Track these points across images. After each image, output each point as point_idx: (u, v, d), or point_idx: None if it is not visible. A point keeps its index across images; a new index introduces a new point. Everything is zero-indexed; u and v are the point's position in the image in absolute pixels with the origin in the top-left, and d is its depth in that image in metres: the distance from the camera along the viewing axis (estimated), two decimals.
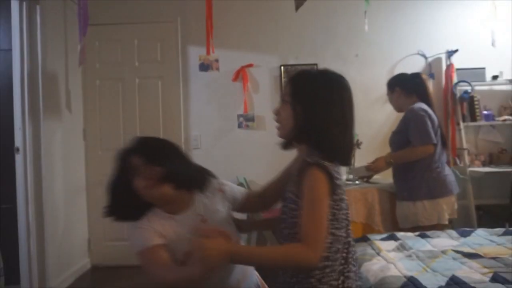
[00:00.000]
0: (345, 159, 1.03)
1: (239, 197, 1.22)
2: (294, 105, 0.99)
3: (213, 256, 0.84)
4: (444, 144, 2.37)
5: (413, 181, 2.27)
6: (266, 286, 1.30)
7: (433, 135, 2.22)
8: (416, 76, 2.44)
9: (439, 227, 2.18)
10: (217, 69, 3.12)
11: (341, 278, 0.98)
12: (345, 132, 0.99)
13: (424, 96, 2.37)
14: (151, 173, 1.07)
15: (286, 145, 1.05)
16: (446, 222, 2.27)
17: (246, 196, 1.24)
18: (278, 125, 1.06)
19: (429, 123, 2.22)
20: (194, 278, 0.89)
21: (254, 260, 0.93)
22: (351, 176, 2.82)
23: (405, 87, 2.40)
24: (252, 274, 1.24)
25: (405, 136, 2.27)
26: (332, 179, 0.94)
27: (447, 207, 2.27)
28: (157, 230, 1.08)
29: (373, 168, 2.44)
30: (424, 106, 2.30)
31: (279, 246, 0.96)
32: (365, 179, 2.75)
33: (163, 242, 1.06)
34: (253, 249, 0.94)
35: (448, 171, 2.34)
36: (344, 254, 0.99)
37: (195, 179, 1.15)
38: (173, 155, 1.16)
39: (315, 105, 0.97)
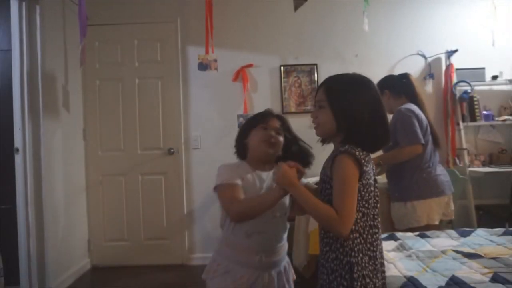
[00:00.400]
0: (373, 148, 1.19)
1: None
2: (333, 109, 1.16)
3: (286, 177, 1.13)
4: (436, 143, 2.37)
5: (404, 181, 2.27)
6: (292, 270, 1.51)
7: (420, 135, 2.21)
8: (403, 77, 2.45)
9: (430, 228, 2.17)
10: (216, 69, 3.12)
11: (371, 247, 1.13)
12: (375, 126, 1.14)
13: (412, 97, 2.37)
14: (277, 136, 1.38)
15: (324, 141, 1.25)
16: (436, 223, 2.26)
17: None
18: (316, 125, 1.22)
19: (416, 123, 2.22)
20: (270, 199, 1.19)
21: (303, 199, 1.10)
22: None
23: (394, 89, 2.41)
24: (285, 255, 1.47)
25: (394, 137, 2.28)
26: (360, 164, 1.09)
27: (439, 207, 2.26)
28: (239, 173, 1.34)
29: None
30: (412, 106, 2.30)
31: (324, 203, 1.09)
32: None
33: (240, 183, 1.32)
34: (307, 193, 1.11)
35: (440, 171, 2.33)
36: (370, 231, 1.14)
37: (303, 155, 1.44)
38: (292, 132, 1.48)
39: (351, 107, 1.14)
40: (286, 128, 1.43)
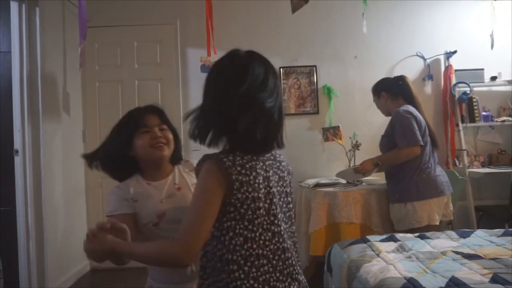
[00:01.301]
0: (256, 148, 0.94)
1: None
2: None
3: (91, 253, 0.91)
4: (435, 144, 2.37)
5: (403, 182, 2.28)
6: None
7: (419, 136, 2.22)
8: (399, 79, 2.47)
9: (431, 228, 2.18)
10: None
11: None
12: (254, 124, 0.91)
13: (410, 98, 2.39)
14: (164, 133, 1.22)
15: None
16: (437, 223, 2.27)
17: None
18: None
19: (415, 124, 2.23)
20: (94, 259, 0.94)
21: (134, 257, 0.91)
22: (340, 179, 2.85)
23: (391, 91, 2.43)
24: None
25: (392, 139, 2.29)
26: (226, 174, 0.86)
27: (438, 208, 2.27)
28: (127, 196, 1.19)
29: (360, 170, 2.45)
30: (410, 108, 2.31)
31: (156, 242, 0.96)
32: (355, 181, 2.77)
33: (130, 211, 1.17)
34: (134, 247, 0.92)
35: (439, 171, 2.34)
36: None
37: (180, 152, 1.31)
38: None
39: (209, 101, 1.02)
40: (164, 117, 1.28)
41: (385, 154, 2.39)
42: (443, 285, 1.38)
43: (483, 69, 3.35)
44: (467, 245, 1.85)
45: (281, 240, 0.91)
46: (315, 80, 3.42)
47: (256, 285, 0.86)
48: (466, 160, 3.23)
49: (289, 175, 1.03)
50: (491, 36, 3.09)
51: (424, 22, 3.46)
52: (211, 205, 0.85)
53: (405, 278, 1.45)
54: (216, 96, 0.95)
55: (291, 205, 1.00)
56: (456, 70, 3.36)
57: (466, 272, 1.49)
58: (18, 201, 2.57)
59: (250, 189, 0.88)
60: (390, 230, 2.38)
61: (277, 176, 0.97)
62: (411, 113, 2.27)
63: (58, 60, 3.03)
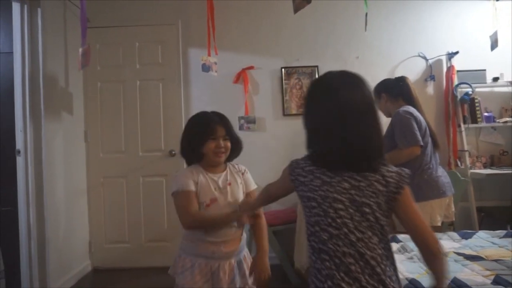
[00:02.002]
0: (324, 162, 1.05)
1: (246, 189, 1.64)
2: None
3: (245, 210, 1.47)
4: (436, 145, 2.37)
5: None
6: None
7: (419, 136, 2.22)
8: (400, 80, 2.47)
9: (433, 229, 2.17)
10: (216, 71, 3.11)
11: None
12: (327, 138, 1.05)
13: (410, 99, 2.39)
14: (225, 143, 1.56)
15: None
16: (439, 224, 2.26)
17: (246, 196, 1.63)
18: None
19: (414, 125, 2.23)
20: (222, 222, 1.49)
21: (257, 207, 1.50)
22: None
23: (391, 92, 2.43)
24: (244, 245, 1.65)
25: (393, 139, 2.28)
26: (291, 172, 1.09)
27: (440, 209, 2.26)
28: (194, 178, 1.51)
29: None
30: (410, 109, 2.31)
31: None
32: None
33: (195, 189, 1.50)
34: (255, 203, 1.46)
35: (441, 172, 2.33)
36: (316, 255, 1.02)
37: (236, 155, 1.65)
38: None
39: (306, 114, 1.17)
40: (229, 129, 1.59)
41: (385, 154, 2.39)
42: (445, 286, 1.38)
43: (485, 70, 3.34)
44: (469, 246, 1.84)
45: (340, 243, 0.97)
46: None
47: (319, 276, 1.00)
48: (468, 161, 3.22)
49: (370, 187, 0.99)
50: (491, 37, 3.08)
51: (426, 22, 3.45)
52: (276, 183, 1.23)
53: (406, 279, 1.44)
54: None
55: (369, 216, 0.98)
56: (458, 71, 3.35)
57: (468, 273, 1.49)
58: (20, 201, 2.58)
59: (305, 189, 1.04)
60: (391, 230, 2.37)
61: (347, 184, 1.00)
62: (411, 114, 2.27)
63: (60, 60, 3.04)
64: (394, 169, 1.04)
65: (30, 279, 2.58)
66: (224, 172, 1.60)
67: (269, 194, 1.30)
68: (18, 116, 2.61)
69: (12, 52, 2.65)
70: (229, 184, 1.57)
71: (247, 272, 1.56)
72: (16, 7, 2.62)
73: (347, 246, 0.96)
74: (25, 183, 2.59)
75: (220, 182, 1.55)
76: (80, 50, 2.70)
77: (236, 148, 1.61)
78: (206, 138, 1.52)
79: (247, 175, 1.66)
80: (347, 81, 1.05)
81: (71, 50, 3.15)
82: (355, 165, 1.00)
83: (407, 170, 1.05)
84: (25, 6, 2.64)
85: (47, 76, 2.78)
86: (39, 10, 2.70)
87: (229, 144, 1.57)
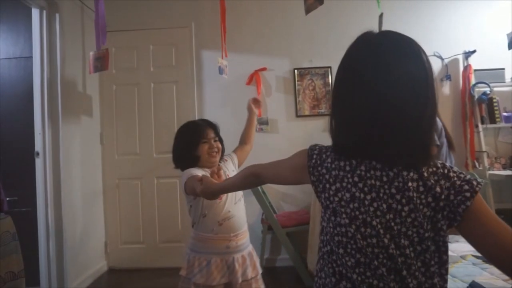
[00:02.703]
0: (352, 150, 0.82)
1: (235, 158, 1.85)
2: None
3: (209, 194, 1.17)
4: (451, 146, 2.33)
5: None
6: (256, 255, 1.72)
7: (435, 136, 2.18)
8: None
9: (451, 230, 2.13)
10: (226, 74, 3.12)
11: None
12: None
13: None
14: (216, 144, 1.68)
15: None
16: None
17: (238, 153, 1.88)
18: None
19: None
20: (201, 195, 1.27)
21: (232, 188, 1.21)
22: None
23: None
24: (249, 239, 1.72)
25: None
26: (310, 158, 0.86)
27: None
28: (200, 173, 1.54)
29: None
30: None
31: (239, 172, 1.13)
32: None
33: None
34: (226, 182, 1.18)
35: None
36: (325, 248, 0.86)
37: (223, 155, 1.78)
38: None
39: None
40: (218, 132, 1.73)
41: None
42: None
43: (504, 69, 3.26)
44: None
45: (368, 274, 0.78)
46: (329, 81, 3.39)
47: (326, 269, 0.84)
48: (486, 162, 3.15)
49: (416, 212, 0.75)
50: (508, 35, 2.99)
51: (441, 21, 3.39)
52: (277, 168, 1.00)
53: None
54: None
55: (405, 250, 0.75)
56: (475, 70, 3.28)
57: (487, 277, 1.45)
58: (39, 202, 2.65)
59: (330, 199, 0.82)
60: None
61: (384, 205, 0.77)
62: None
63: (77, 64, 3.11)
64: (455, 179, 0.76)
65: (48, 278, 2.64)
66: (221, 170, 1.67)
67: (259, 180, 1.03)
68: (37, 119, 2.68)
69: (31, 57, 2.72)
70: (228, 176, 1.66)
71: (257, 263, 1.68)
72: (35, 13, 2.70)
73: (377, 278, 0.77)
74: (43, 184, 2.66)
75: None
76: (92, 53, 2.75)
77: (223, 148, 1.74)
78: (199, 142, 1.64)
79: (228, 157, 1.81)
80: (402, 49, 0.82)
81: (88, 54, 3.21)
82: (396, 159, 0.77)
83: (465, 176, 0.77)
84: (44, 12, 2.72)
85: (64, 80, 2.84)
86: (57, 15, 2.78)
87: (219, 145, 1.69)
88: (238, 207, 1.66)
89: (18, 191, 2.73)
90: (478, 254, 1.71)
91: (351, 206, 0.78)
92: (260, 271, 1.68)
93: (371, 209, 0.77)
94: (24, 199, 2.73)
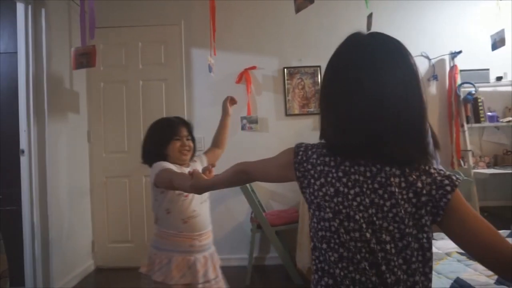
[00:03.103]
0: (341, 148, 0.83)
1: (205, 161, 1.79)
2: None
3: (199, 189, 1.18)
4: (436, 145, 2.36)
5: None
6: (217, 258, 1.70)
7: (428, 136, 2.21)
8: None
9: (435, 228, 2.17)
10: (213, 73, 3.11)
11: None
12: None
13: None
14: (188, 142, 1.65)
15: None
16: None
17: (209, 156, 1.83)
18: None
19: None
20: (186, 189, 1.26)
21: (216, 185, 1.15)
22: None
23: None
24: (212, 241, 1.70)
25: None
26: (296, 155, 0.87)
27: None
28: (172, 166, 1.56)
29: None
30: None
31: (228, 169, 1.11)
32: None
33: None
34: (216, 180, 1.16)
35: None
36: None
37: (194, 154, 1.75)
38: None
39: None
40: (191, 130, 1.71)
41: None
42: (448, 286, 1.38)
43: (488, 69, 3.33)
44: None
45: (351, 268, 0.78)
46: (319, 80, 3.41)
47: (323, 266, 0.83)
48: (471, 160, 3.21)
49: (398, 207, 0.76)
50: (492, 36, 3.05)
51: (428, 22, 3.44)
52: (263, 166, 1.00)
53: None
54: None
55: (386, 245, 0.77)
56: (461, 71, 3.34)
57: (471, 273, 1.48)
58: (24, 201, 2.60)
59: (314, 194, 0.82)
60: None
61: (367, 199, 0.78)
62: None
63: (64, 61, 3.05)
64: (435, 176, 0.78)
65: (33, 278, 2.59)
66: (190, 168, 1.65)
67: (248, 177, 1.04)
68: (22, 116, 2.62)
69: (16, 52, 2.66)
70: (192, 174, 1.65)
71: (217, 266, 1.66)
72: (20, 8, 2.64)
73: (359, 272, 0.78)
74: (28, 182, 2.61)
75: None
76: (73, 49, 2.69)
77: (195, 148, 1.73)
78: (171, 139, 1.61)
79: (197, 158, 1.78)
80: (390, 51, 0.83)
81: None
82: (389, 156, 0.78)
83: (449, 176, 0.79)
84: (29, 6, 2.66)
85: (51, 76, 2.79)
86: (43, 10, 2.72)
87: (191, 144, 1.67)
88: (203, 207, 1.65)
89: (3, 189, 2.67)
90: (463, 251, 1.75)
91: (335, 200, 0.79)
92: (220, 273, 1.66)
93: (355, 203, 0.78)
94: (9, 197, 2.68)
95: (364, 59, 0.80)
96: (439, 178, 0.77)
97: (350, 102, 0.79)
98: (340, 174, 0.80)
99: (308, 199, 0.84)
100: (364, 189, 0.78)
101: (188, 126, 1.69)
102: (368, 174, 0.79)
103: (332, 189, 0.80)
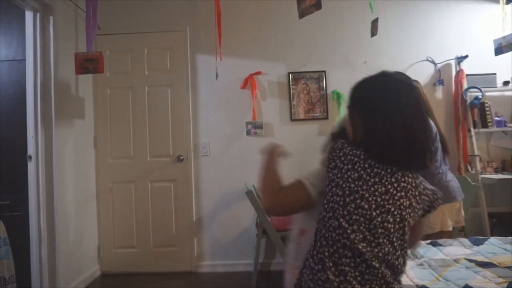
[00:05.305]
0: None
1: None
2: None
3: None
4: (445, 150, 2.35)
5: None
6: None
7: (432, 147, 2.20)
8: None
9: (444, 234, 2.15)
10: (216, 78, 3.13)
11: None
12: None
13: None
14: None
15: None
16: (450, 229, 2.24)
17: None
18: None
19: None
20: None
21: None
22: None
23: None
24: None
25: None
26: (330, 152, 1.06)
27: (451, 213, 2.24)
28: None
29: None
30: None
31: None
32: None
33: None
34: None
35: (450, 177, 2.30)
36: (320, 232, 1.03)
37: None
38: None
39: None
40: None
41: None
42: None
43: (495, 74, 3.31)
44: (480, 253, 1.81)
45: (344, 235, 0.97)
46: (324, 85, 3.41)
47: (315, 258, 1.01)
48: (478, 166, 3.18)
49: (405, 198, 1.00)
50: (495, 41, 3.02)
51: (434, 26, 3.43)
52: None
53: (417, 286, 1.42)
54: None
55: (388, 224, 0.98)
56: (467, 75, 3.33)
57: (480, 280, 1.46)
58: (31, 207, 2.62)
59: (339, 175, 1.01)
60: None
61: (383, 188, 0.99)
62: None
63: (71, 67, 3.07)
64: (430, 187, 1.11)
65: (40, 283, 2.60)
66: None
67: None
68: (30, 122, 2.65)
69: (24, 59, 2.70)
70: None
71: None
72: (29, 16, 2.68)
73: (350, 239, 0.97)
74: (36, 188, 2.63)
75: None
76: (75, 54, 2.73)
77: None
78: None
79: None
80: (407, 82, 1.13)
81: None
82: (410, 162, 1.04)
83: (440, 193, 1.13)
84: (38, 14, 2.70)
85: (58, 82, 2.82)
86: (51, 18, 2.76)
87: None
88: None
89: (10, 195, 2.70)
90: (471, 258, 1.73)
91: (356, 183, 0.98)
92: None
93: (372, 189, 0.98)
94: (16, 203, 2.70)
95: (389, 97, 1.07)
96: (429, 188, 1.12)
97: (379, 124, 1.03)
98: (366, 165, 1.00)
99: (331, 177, 1.02)
100: (383, 181, 0.99)
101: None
102: (388, 170, 1.01)
103: (356, 174, 0.99)
